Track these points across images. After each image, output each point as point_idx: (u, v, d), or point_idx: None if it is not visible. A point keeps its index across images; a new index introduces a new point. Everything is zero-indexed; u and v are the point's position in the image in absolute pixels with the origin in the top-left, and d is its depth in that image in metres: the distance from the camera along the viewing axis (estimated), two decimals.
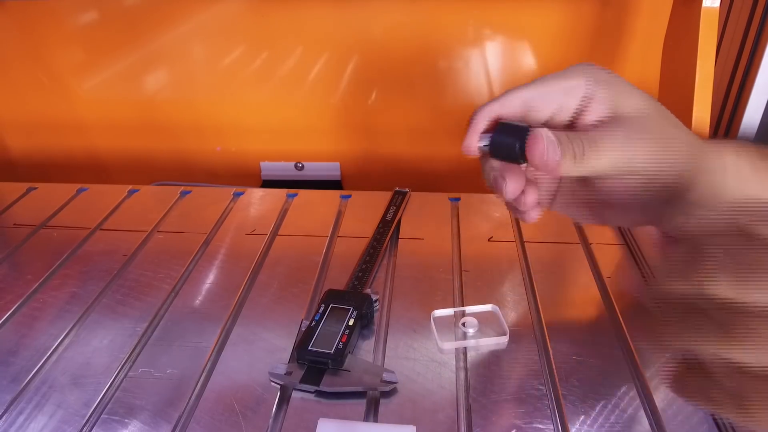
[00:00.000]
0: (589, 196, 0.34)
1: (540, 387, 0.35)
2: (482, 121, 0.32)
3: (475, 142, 0.32)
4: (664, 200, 0.32)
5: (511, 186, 0.32)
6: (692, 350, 0.25)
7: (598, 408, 0.34)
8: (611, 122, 0.31)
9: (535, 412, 0.33)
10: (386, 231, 0.50)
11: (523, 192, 0.33)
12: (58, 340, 0.40)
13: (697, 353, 0.25)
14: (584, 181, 0.34)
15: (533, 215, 0.34)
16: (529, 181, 0.34)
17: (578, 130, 0.32)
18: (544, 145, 0.30)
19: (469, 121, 0.33)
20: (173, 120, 0.73)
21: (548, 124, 0.32)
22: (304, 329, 0.38)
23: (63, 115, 0.74)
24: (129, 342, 0.40)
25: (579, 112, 0.32)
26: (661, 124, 0.32)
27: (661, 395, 0.34)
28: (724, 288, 0.23)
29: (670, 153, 0.31)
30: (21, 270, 0.48)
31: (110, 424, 0.34)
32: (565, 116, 0.32)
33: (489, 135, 0.32)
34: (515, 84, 0.64)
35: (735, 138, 0.36)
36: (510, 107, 0.32)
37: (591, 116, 0.32)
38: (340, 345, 0.36)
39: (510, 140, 0.31)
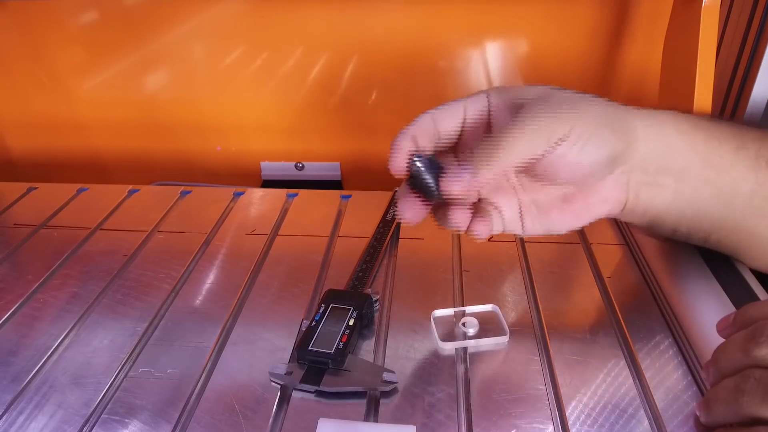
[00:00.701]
0: (549, 196, 0.35)
1: (540, 387, 0.35)
2: (402, 144, 0.34)
3: (402, 163, 0.34)
4: (608, 161, 0.33)
5: (458, 216, 0.34)
6: None
7: (598, 408, 0.34)
8: (513, 112, 0.32)
9: (535, 412, 0.33)
10: (386, 231, 0.50)
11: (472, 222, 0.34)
12: (59, 340, 0.40)
13: None
14: (535, 186, 0.35)
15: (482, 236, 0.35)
16: (481, 210, 0.35)
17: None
18: (459, 179, 0.31)
19: (391, 148, 0.34)
20: (174, 120, 0.73)
21: (462, 135, 0.35)
22: (304, 329, 0.38)
23: (63, 114, 0.74)
24: (129, 342, 0.40)
25: (487, 122, 0.34)
26: (561, 96, 0.32)
27: (662, 395, 0.34)
28: None
29: (576, 113, 0.31)
30: (21, 270, 0.48)
31: (110, 424, 0.34)
32: (475, 125, 0.34)
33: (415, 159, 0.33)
34: (514, 81, 0.65)
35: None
36: (422, 125, 0.33)
37: (498, 120, 0.33)
38: (341, 345, 0.36)
39: (426, 180, 0.33)
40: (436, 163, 0.33)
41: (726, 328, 0.31)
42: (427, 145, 0.34)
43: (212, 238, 0.52)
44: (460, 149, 0.36)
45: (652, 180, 0.35)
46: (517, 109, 0.32)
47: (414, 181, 0.33)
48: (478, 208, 0.35)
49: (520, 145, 0.31)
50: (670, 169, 0.35)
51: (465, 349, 0.38)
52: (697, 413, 0.31)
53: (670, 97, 0.56)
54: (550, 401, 0.34)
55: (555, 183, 0.34)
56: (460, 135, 0.35)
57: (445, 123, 0.34)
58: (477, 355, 0.38)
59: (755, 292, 0.40)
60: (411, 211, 0.34)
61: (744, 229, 0.37)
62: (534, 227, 0.36)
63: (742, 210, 0.36)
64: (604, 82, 0.67)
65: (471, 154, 0.31)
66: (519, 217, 0.36)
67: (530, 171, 0.33)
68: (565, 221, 0.35)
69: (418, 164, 0.33)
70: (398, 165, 0.34)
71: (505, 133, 0.31)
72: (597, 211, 0.35)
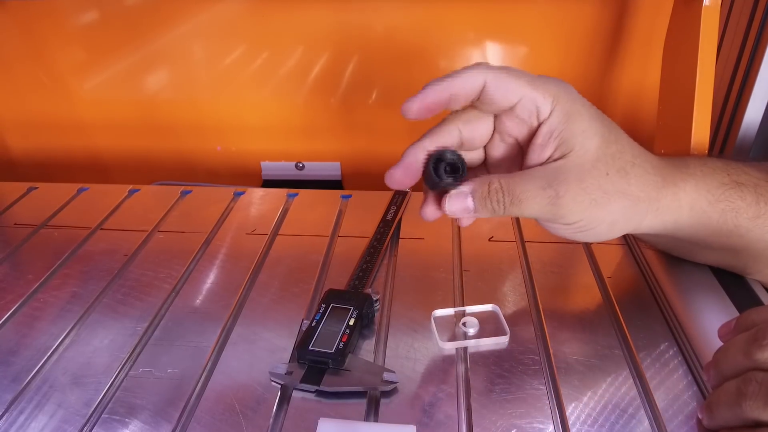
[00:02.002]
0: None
1: (540, 387, 0.35)
2: (430, 97, 0.34)
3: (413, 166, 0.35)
4: (615, 235, 0.35)
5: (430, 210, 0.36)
6: None
7: (598, 408, 0.34)
8: (554, 168, 0.32)
9: (535, 412, 0.33)
10: (387, 231, 0.50)
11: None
12: (59, 340, 0.40)
13: None
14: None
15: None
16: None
17: (522, 153, 0.34)
18: (461, 204, 0.33)
19: (418, 95, 0.34)
20: (174, 120, 0.73)
21: (500, 124, 0.34)
22: (304, 329, 0.38)
23: (63, 114, 0.74)
24: (130, 342, 0.40)
25: (532, 131, 0.33)
26: (604, 178, 0.32)
27: (662, 395, 0.34)
28: None
29: (600, 211, 0.32)
30: (22, 270, 0.49)
31: (111, 424, 0.34)
32: (518, 117, 0.33)
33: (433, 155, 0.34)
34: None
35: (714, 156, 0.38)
36: (468, 86, 0.32)
37: (543, 148, 0.33)
38: (341, 345, 0.36)
39: (439, 181, 0.33)
40: (460, 164, 0.33)
41: (727, 333, 0.31)
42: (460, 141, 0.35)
43: (212, 237, 0.52)
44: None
45: (654, 237, 0.38)
46: (565, 148, 0.32)
47: (429, 170, 0.34)
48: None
49: (530, 210, 0.32)
50: (674, 236, 0.38)
51: (465, 348, 0.38)
52: (699, 416, 0.31)
53: (671, 98, 0.56)
54: (551, 401, 0.34)
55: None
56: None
57: (495, 94, 0.32)
58: (477, 355, 0.38)
59: (755, 291, 0.40)
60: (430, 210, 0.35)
61: (755, 265, 0.40)
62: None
63: (753, 256, 0.38)
64: (604, 82, 0.67)
65: (486, 187, 0.32)
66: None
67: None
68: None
69: (444, 161, 0.33)
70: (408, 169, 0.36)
71: (529, 206, 0.32)
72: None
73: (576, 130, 0.32)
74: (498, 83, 0.31)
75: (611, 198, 0.32)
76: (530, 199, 0.32)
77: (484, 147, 0.36)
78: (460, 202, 0.33)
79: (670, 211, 0.35)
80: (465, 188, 0.33)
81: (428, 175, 0.34)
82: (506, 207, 0.32)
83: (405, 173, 0.35)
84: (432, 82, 0.33)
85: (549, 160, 0.32)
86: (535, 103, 0.32)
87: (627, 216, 0.34)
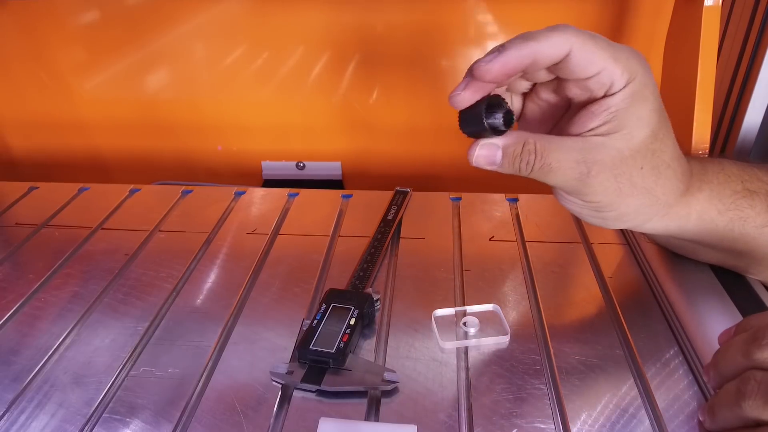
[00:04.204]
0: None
1: (541, 386, 0.35)
2: (511, 63, 0.30)
3: (466, 101, 0.31)
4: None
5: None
6: None
7: (599, 408, 0.34)
8: (593, 143, 0.31)
9: (536, 412, 0.33)
10: (387, 230, 0.50)
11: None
12: (60, 340, 0.40)
13: None
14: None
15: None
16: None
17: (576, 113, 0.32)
18: (490, 156, 0.31)
19: (486, 59, 0.30)
20: (175, 119, 0.73)
21: (566, 83, 0.31)
22: (305, 328, 0.38)
23: (64, 114, 0.74)
24: (130, 341, 0.40)
25: (591, 99, 0.31)
26: (637, 171, 0.32)
27: (663, 395, 0.34)
28: None
29: (620, 199, 0.32)
30: (22, 269, 0.49)
31: (112, 423, 0.34)
32: (594, 85, 0.30)
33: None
34: None
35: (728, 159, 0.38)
36: (552, 52, 0.29)
37: (594, 114, 0.31)
38: (342, 344, 0.36)
39: (476, 127, 0.31)
40: (504, 113, 0.31)
41: (728, 340, 0.31)
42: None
43: (213, 237, 0.52)
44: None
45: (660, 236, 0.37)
46: (616, 124, 0.30)
47: (467, 115, 0.32)
48: None
49: (556, 179, 0.31)
50: (679, 237, 0.38)
51: (466, 348, 0.38)
52: (701, 418, 0.31)
53: (672, 97, 0.56)
54: (551, 401, 0.34)
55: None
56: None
57: (576, 63, 0.30)
58: (478, 355, 0.38)
59: (756, 291, 0.40)
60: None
61: (756, 265, 0.40)
62: None
63: (757, 258, 0.38)
64: None
65: (519, 146, 0.31)
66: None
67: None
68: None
69: (483, 109, 0.31)
70: (463, 102, 0.31)
71: (558, 158, 0.31)
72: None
73: (634, 115, 0.30)
74: (583, 53, 0.29)
75: (636, 192, 0.32)
76: (560, 170, 0.31)
77: (523, 94, 0.34)
78: (490, 153, 0.31)
79: (678, 217, 0.35)
80: (498, 141, 0.31)
81: (474, 116, 0.31)
82: (534, 170, 0.31)
83: (475, 90, 0.31)
84: (513, 43, 0.29)
85: (591, 132, 0.31)
86: (611, 78, 0.30)
87: (639, 212, 0.34)
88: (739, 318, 0.38)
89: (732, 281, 0.41)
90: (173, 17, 0.66)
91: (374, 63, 0.67)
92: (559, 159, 0.30)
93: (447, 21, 0.64)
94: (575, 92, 0.32)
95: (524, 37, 0.29)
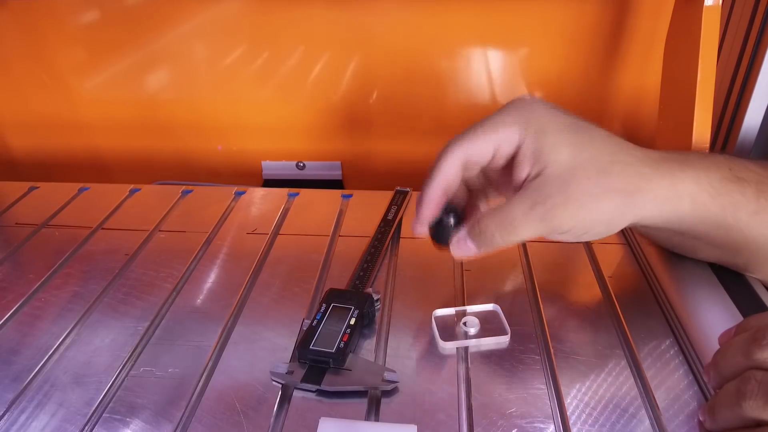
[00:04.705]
0: None
1: (541, 386, 0.35)
2: (431, 204, 0.36)
3: (424, 228, 0.37)
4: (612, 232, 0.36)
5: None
6: None
7: (599, 408, 0.34)
8: (533, 187, 0.33)
9: (536, 412, 0.33)
10: (387, 230, 0.50)
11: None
12: (60, 339, 0.40)
13: None
14: None
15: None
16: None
17: (511, 177, 0.35)
18: (464, 248, 0.35)
19: (417, 203, 0.36)
20: (175, 119, 0.73)
21: (486, 168, 0.37)
22: (305, 328, 0.38)
23: (64, 114, 0.74)
24: (131, 341, 0.40)
25: (511, 159, 0.35)
26: (586, 182, 0.33)
27: (663, 395, 0.34)
28: None
29: (586, 216, 0.34)
30: (23, 269, 0.49)
31: (112, 423, 0.34)
32: (500, 161, 0.35)
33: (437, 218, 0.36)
34: (516, 83, 0.66)
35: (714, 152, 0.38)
36: (451, 176, 0.35)
37: (520, 171, 0.34)
38: (342, 344, 0.36)
39: (444, 236, 0.36)
40: (457, 213, 0.37)
41: (728, 341, 0.31)
42: (452, 195, 0.37)
43: (213, 237, 0.52)
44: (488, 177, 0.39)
45: (654, 232, 0.38)
46: (539, 165, 0.33)
47: (433, 232, 0.37)
48: None
49: (526, 233, 0.34)
50: (676, 229, 0.38)
51: (466, 348, 0.38)
52: (701, 418, 0.31)
53: (672, 98, 0.56)
54: (551, 401, 0.34)
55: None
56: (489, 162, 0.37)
57: (474, 166, 0.36)
58: (478, 355, 0.38)
59: (755, 290, 0.40)
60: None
61: (755, 264, 0.40)
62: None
63: (753, 252, 0.38)
64: (605, 82, 0.67)
65: (478, 226, 0.34)
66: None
67: None
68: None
69: (442, 221, 0.37)
70: (422, 232, 0.37)
71: (524, 229, 0.33)
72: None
73: (545, 146, 0.33)
74: (470, 153, 0.35)
75: (599, 198, 0.33)
76: (522, 224, 0.33)
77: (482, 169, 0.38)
78: (464, 246, 0.35)
79: (670, 201, 0.35)
80: (462, 233, 0.35)
81: (439, 233, 0.37)
82: (504, 237, 0.34)
83: (424, 221, 0.37)
84: (421, 193, 0.36)
85: (527, 180, 0.34)
86: (507, 141, 0.34)
87: (621, 211, 0.34)
88: (739, 318, 0.38)
89: (732, 281, 0.41)
90: (173, 17, 0.66)
91: (374, 63, 0.67)
92: (514, 218, 0.33)
93: (447, 21, 0.64)
94: (502, 159, 0.35)
95: (429, 175, 0.35)
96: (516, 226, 0.33)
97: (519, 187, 0.35)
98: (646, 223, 0.36)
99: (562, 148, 0.33)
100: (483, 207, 0.40)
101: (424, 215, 0.36)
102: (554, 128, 0.34)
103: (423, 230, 0.37)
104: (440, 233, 0.37)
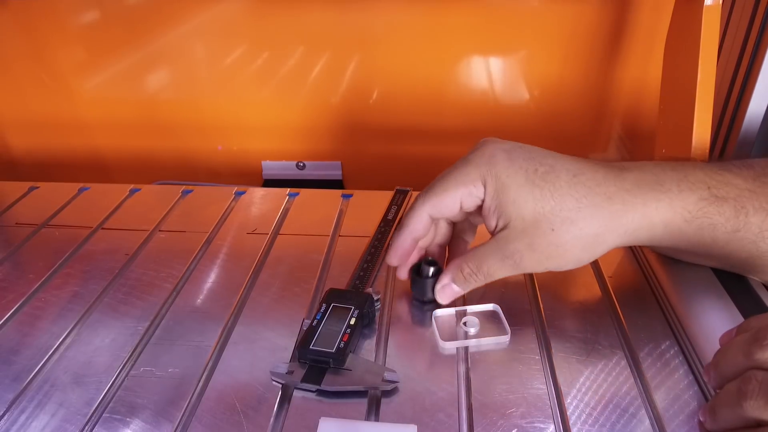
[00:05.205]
0: None
1: (541, 386, 0.35)
2: (399, 250, 0.40)
3: (403, 273, 0.42)
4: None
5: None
6: None
7: (599, 408, 0.34)
8: (501, 239, 0.36)
9: (536, 412, 0.33)
10: (388, 230, 0.50)
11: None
12: (60, 339, 0.40)
13: None
14: None
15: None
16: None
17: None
18: (449, 292, 0.39)
19: (388, 252, 0.40)
20: (175, 119, 0.73)
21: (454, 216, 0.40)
22: (305, 328, 0.38)
23: (64, 114, 0.74)
24: (131, 341, 0.40)
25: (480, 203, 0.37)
26: (550, 234, 0.35)
27: (663, 395, 0.34)
28: None
29: (555, 261, 0.36)
30: (23, 269, 0.49)
31: (112, 423, 0.34)
32: (468, 209, 0.38)
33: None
34: (515, 82, 0.65)
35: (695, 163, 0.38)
36: (420, 227, 0.38)
37: (489, 221, 0.37)
38: (342, 344, 0.36)
39: (422, 291, 0.41)
40: (435, 266, 0.41)
41: (729, 341, 0.31)
42: (423, 242, 0.41)
43: (213, 237, 0.52)
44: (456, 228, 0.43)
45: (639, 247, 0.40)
46: (503, 219, 0.36)
47: (413, 286, 0.42)
48: None
49: (503, 275, 0.37)
50: (653, 248, 0.41)
51: (466, 348, 0.38)
52: (701, 419, 0.31)
53: (672, 97, 0.56)
54: (551, 401, 0.34)
55: None
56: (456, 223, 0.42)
57: (441, 218, 0.40)
58: (478, 355, 0.38)
59: (756, 291, 0.40)
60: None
61: (749, 267, 0.40)
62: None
63: (740, 260, 0.38)
64: (605, 81, 0.67)
65: (461, 273, 0.38)
66: None
67: None
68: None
69: (418, 275, 0.41)
70: (402, 275, 0.42)
71: (498, 272, 0.37)
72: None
73: (507, 202, 0.35)
74: (437, 208, 0.38)
75: (565, 247, 0.35)
76: (498, 270, 0.37)
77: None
78: (449, 291, 0.39)
79: (642, 229, 0.36)
80: (446, 279, 0.39)
81: (419, 288, 0.42)
82: (484, 280, 0.38)
83: (403, 268, 0.42)
84: (393, 239, 0.40)
85: (497, 230, 0.37)
86: (471, 196, 0.37)
87: (591, 250, 0.36)
88: (739, 318, 0.38)
89: (732, 281, 0.41)
90: (173, 17, 0.66)
91: (374, 63, 0.67)
92: (490, 265, 0.37)
93: (447, 20, 0.64)
94: (469, 210, 0.38)
95: (399, 227, 0.39)
96: (493, 272, 0.37)
97: (489, 231, 0.38)
98: (620, 246, 0.37)
99: (525, 203, 0.35)
100: (468, 237, 0.43)
101: (394, 261, 0.40)
102: (516, 183, 0.35)
103: (402, 274, 0.42)
104: (420, 288, 0.41)
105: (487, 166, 0.36)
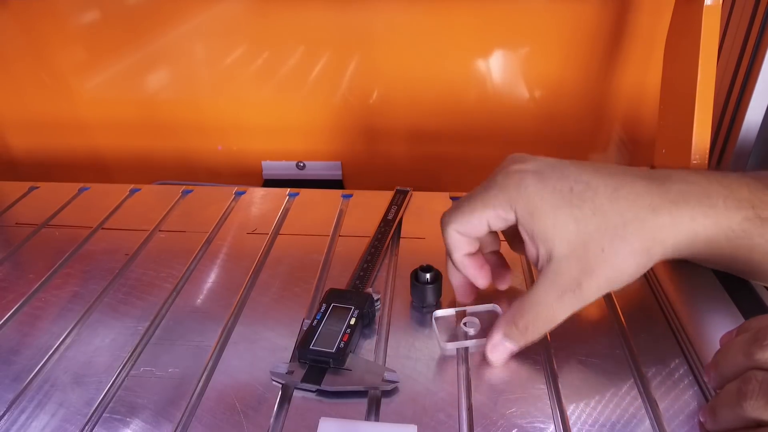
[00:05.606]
0: None
1: (541, 387, 0.35)
2: (457, 282, 0.40)
3: (470, 298, 0.41)
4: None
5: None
6: None
7: (599, 408, 0.34)
8: (552, 272, 0.33)
9: (536, 412, 0.33)
10: (388, 230, 0.50)
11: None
12: (60, 339, 0.40)
13: None
14: None
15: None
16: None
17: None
18: (503, 350, 0.36)
19: (456, 291, 0.40)
20: (175, 119, 0.73)
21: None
22: (305, 328, 0.38)
23: (65, 114, 0.74)
24: (131, 341, 0.40)
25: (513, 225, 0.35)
26: (601, 254, 0.32)
27: (663, 395, 0.34)
28: None
29: (613, 283, 0.33)
30: (23, 269, 0.49)
31: (112, 423, 0.34)
32: (497, 228, 0.36)
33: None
34: (515, 83, 0.66)
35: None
36: (459, 244, 0.37)
37: (529, 251, 0.35)
38: (342, 344, 0.36)
39: (421, 297, 0.42)
40: (432, 271, 0.41)
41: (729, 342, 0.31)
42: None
43: (213, 237, 0.52)
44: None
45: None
46: (545, 247, 0.33)
47: (412, 292, 0.42)
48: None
49: (564, 317, 0.34)
50: (689, 258, 0.37)
51: (466, 348, 0.38)
52: (701, 419, 0.31)
53: (672, 97, 0.56)
54: (551, 401, 0.34)
55: None
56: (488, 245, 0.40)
57: (472, 237, 0.37)
58: (478, 355, 0.38)
59: (760, 296, 0.40)
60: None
61: (760, 277, 0.39)
62: None
63: (759, 272, 0.37)
64: (605, 82, 0.67)
65: (516, 328, 0.35)
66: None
67: None
68: None
69: (418, 281, 0.41)
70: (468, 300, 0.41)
71: (548, 309, 0.34)
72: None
73: (546, 227, 0.33)
74: (464, 229, 0.36)
75: (622, 268, 0.33)
76: (560, 310, 0.33)
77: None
78: (502, 350, 0.36)
79: (685, 244, 0.34)
80: (497, 337, 0.36)
81: (415, 292, 0.42)
82: (546, 327, 0.35)
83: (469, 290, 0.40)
84: (450, 278, 0.40)
85: (540, 263, 0.34)
86: (498, 218, 0.35)
87: (644, 265, 0.33)
88: (740, 319, 0.38)
89: (734, 282, 0.41)
90: (173, 17, 0.66)
91: (374, 62, 0.67)
92: (548, 306, 0.34)
93: (447, 21, 0.64)
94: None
95: (448, 257, 0.39)
96: (555, 316, 0.34)
97: (531, 258, 0.35)
98: (664, 259, 0.35)
99: (565, 226, 0.32)
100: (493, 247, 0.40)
101: (465, 299, 0.40)
102: (549, 206, 0.33)
103: (469, 300, 0.40)
104: (419, 294, 0.41)
105: (516, 190, 0.33)
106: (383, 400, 0.35)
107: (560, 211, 0.32)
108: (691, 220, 0.33)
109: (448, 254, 0.38)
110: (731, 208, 0.33)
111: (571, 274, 0.32)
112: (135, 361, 0.38)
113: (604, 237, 0.32)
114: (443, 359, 0.37)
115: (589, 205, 0.32)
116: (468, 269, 0.38)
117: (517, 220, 0.34)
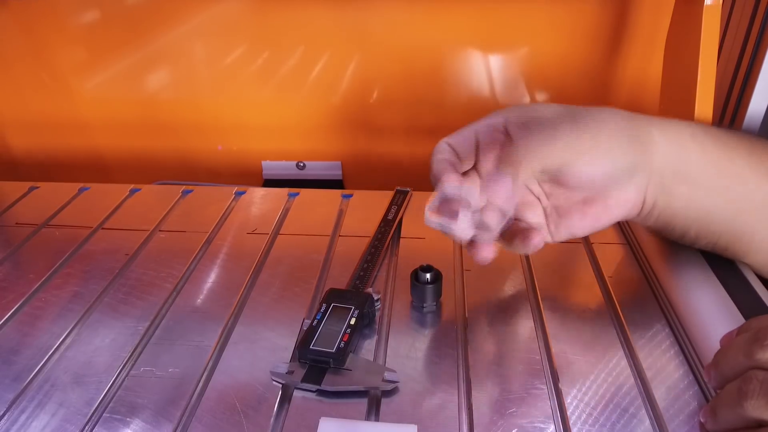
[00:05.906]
0: (570, 201, 0.37)
1: (541, 386, 0.35)
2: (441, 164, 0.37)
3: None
4: (628, 169, 0.34)
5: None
6: None
7: (599, 407, 0.34)
8: (533, 127, 0.34)
9: (536, 412, 0.33)
10: (388, 230, 0.50)
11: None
12: (60, 339, 0.40)
13: None
14: (557, 192, 0.37)
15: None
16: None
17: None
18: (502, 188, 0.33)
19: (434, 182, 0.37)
20: (175, 119, 0.73)
21: (479, 153, 0.38)
22: (305, 328, 0.38)
23: (65, 114, 0.74)
24: (131, 341, 0.40)
25: (504, 139, 0.36)
26: (581, 111, 0.34)
27: (663, 395, 0.34)
28: None
29: (597, 126, 0.34)
30: (23, 269, 0.49)
31: (112, 423, 0.34)
32: (486, 140, 0.37)
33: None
34: (515, 83, 0.66)
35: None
36: (445, 153, 0.37)
37: (518, 134, 0.35)
38: (342, 344, 0.36)
39: (420, 297, 0.41)
40: (432, 271, 0.41)
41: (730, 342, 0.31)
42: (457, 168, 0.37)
43: (213, 237, 0.52)
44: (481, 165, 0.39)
45: (668, 186, 0.36)
46: (537, 125, 0.34)
47: (412, 292, 0.42)
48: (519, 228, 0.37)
49: (549, 155, 0.33)
50: (685, 175, 0.36)
51: (467, 348, 0.38)
52: (702, 419, 0.31)
53: (672, 97, 0.56)
54: (551, 401, 0.34)
55: (577, 189, 0.35)
56: (479, 152, 0.38)
57: (461, 147, 0.38)
58: (478, 355, 0.38)
59: (754, 288, 0.40)
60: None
61: (753, 237, 0.38)
62: (558, 233, 0.37)
63: (753, 218, 0.37)
64: (605, 81, 0.67)
65: (502, 163, 0.34)
66: (545, 225, 0.38)
67: (553, 178, 0.35)
68: (585, 224, 0.37)
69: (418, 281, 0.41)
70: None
71: (532, 142, 0.33)
72: (615, 214, 0.36)
73: (529, 110, 0.35)
74: (454, 139, 0.37)
75: (605, 129, 0.34)
76: (542, 147, 0.33)
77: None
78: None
79: (675, 144, 0.35)
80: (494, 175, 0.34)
81: (415, 292, 0.42)
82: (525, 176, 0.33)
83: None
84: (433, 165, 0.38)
85: (527, 125, 0.34)
86: (488, 126, 0.36)
87: (629, 128, 0.34)
88: (739, 318, 0.38)
89: (733, 281, 0.41)
90: (173, 17, 0.66)
91: (374, 62, 0.67)
92: (534, 153, 0.33)
93: (447, 20, 0.64)
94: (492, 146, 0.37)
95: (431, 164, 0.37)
96: (538, 150, 0.33)
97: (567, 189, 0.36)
98: (658, 182, 0.35)
99: (551, 106, 0.35)
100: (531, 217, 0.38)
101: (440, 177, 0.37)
102: (535, 106, 0.36)
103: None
104: (419, 294, 0.41)
105: (503, 111, 0.36)
106: (383, 400, 0.35)
107: (541, 105, 0.35)
108: (668, 121, 0.36)
109: (431, 167, 0.37)
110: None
111: (563, 129, 0.33)
112: (135, 361, 0.38)
113: (589, 118, 0.34)
114: (443, 359, 0.37)
115: (571, 108, 0.35)
116: (440, 163, 0.37)
117: (503, 123, 0.35)
